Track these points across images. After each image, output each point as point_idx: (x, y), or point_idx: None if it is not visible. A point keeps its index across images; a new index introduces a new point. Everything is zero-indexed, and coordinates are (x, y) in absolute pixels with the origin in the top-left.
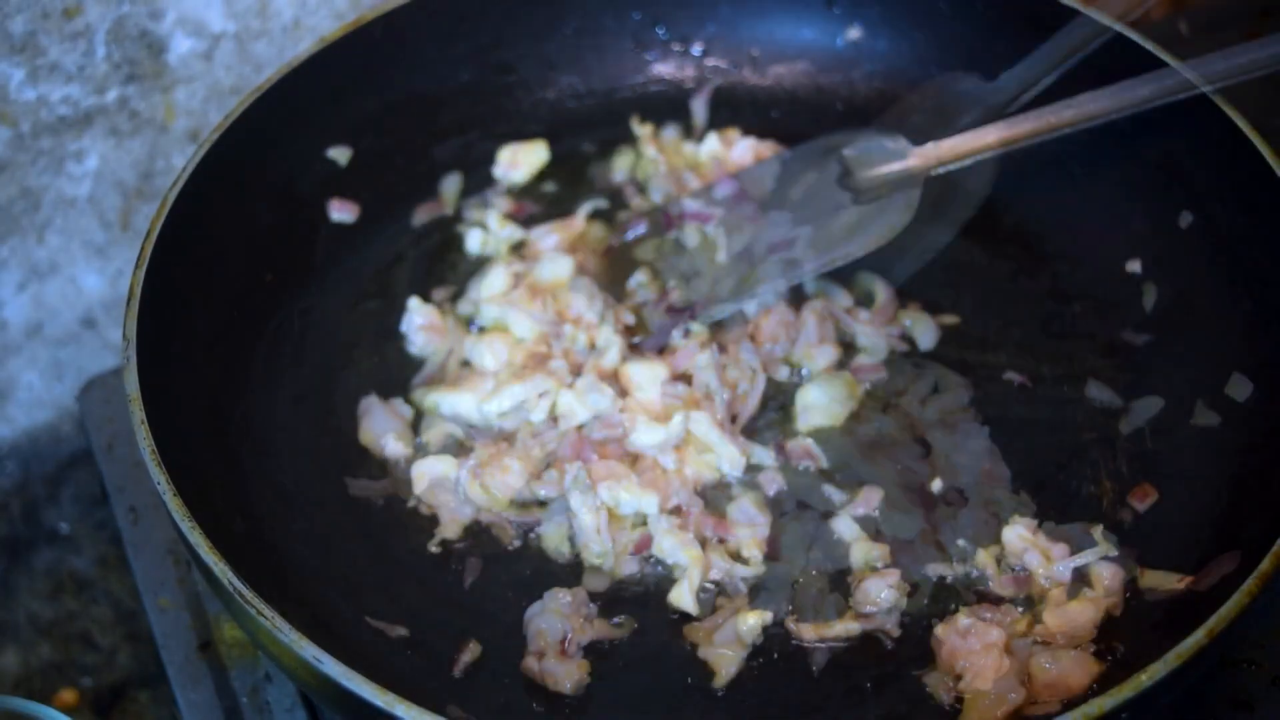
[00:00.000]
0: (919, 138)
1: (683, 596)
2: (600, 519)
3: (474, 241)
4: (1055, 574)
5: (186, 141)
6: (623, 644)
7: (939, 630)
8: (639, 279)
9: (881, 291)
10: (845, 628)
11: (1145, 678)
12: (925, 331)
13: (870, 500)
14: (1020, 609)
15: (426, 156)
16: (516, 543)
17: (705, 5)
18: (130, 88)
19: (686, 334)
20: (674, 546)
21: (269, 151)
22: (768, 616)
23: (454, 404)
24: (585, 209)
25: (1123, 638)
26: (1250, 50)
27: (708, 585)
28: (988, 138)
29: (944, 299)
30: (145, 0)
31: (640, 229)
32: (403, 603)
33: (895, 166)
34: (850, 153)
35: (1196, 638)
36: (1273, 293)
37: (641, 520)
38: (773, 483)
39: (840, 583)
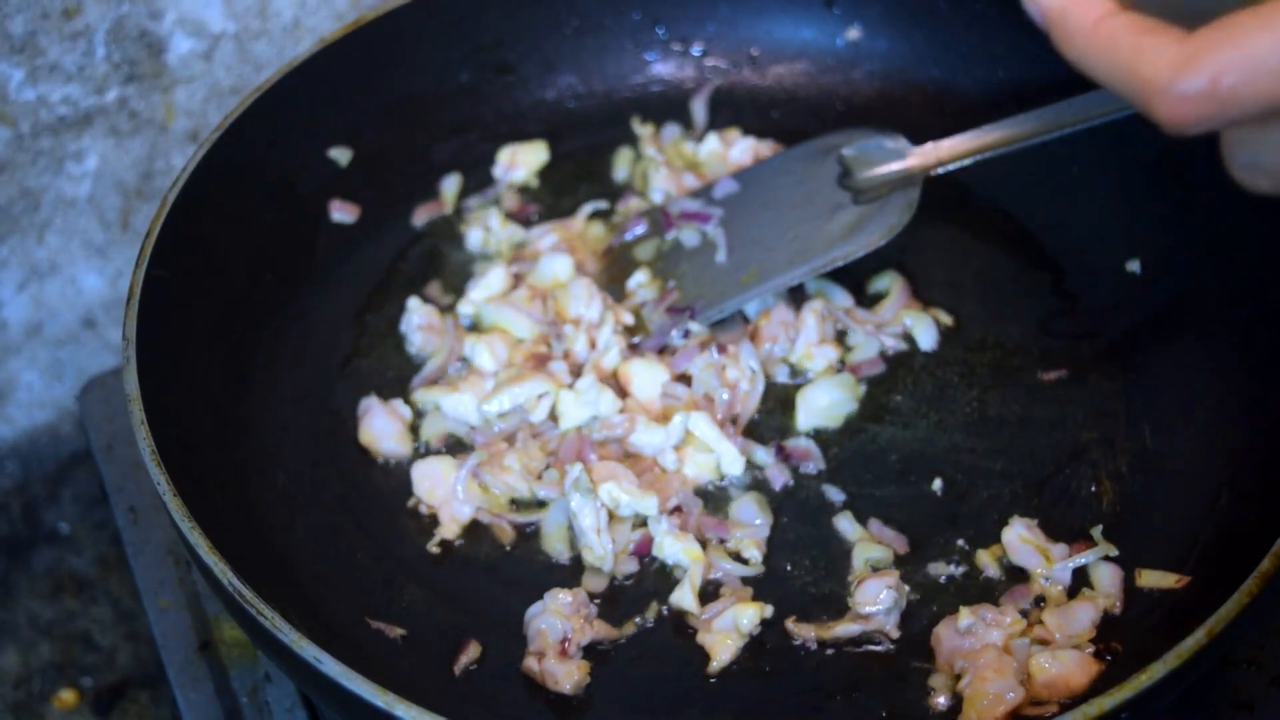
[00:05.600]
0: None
1: (684, 597)
2: (600, 520)
3: (474, 241)
4: (1055, 574)
5: (186, 141)
6: (623, 644)
7: (939, 630)
8: (639, 279)
9: (896, 289)
10: (845, 628)
11: (1145, 678)
12: (925, 331)
13: (883, 533)
14: (1020, 609)
15: (426, 156)
16: (516, 543)
17: (705, 5)
18: (130, 88)
19: (686, 334)
20: (675, 548)
21: (269, 151)
22: (768, 610)
23: (454, 404)
24: (585, 209)
25: (1123, 638)
26: None
27: (708, 585)
28: (987, 138)
29: (944, 299)
30: (145, 0)
31: (640, 229)
32: (403, 603)
33: (895, 166)
34: (850, 152)
35: (1196, 638)
36: (1273, 293)
37: (642, 521)
38: (773, 483)
39: (840, 583)
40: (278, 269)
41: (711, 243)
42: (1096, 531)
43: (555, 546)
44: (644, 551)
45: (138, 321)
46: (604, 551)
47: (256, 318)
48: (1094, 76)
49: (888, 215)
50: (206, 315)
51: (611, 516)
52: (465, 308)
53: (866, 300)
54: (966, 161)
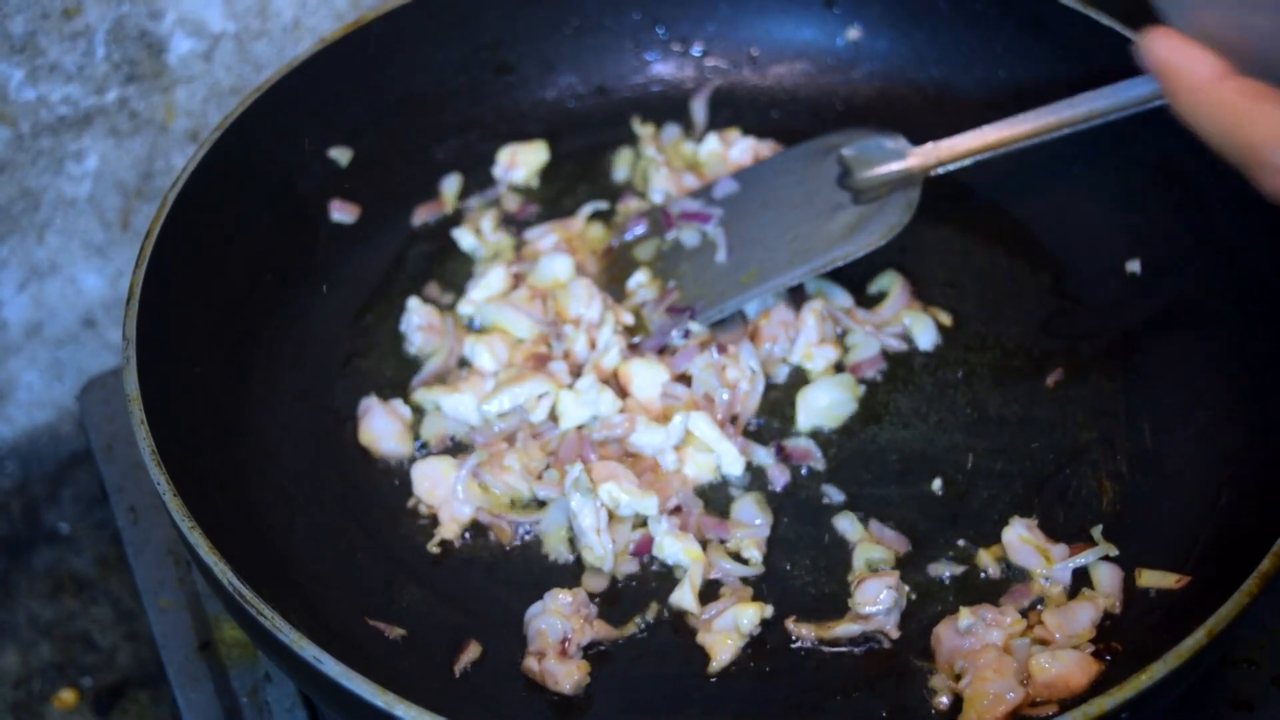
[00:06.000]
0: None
1: (684, 597)
2: (600, 520)
3: (473, 242)
4: (1055, 574)
5: (186, 141)
6: (622, 644)
7: (939, 630)
8: (639, 279)
9: (896, 289)
10: (845, 628)
11: (1145, 678)
12: (925, 331)
13: (883, 534)
14: (1020, 609)
15: (426, 156)
16: (516, 543)
17: (705, 5)
18: (130, 88)
19: (686, 334)
20: (675, 548)
21: (269, 151)
22: (768, 610)
23: (454, 404)
24: (585, 209)
25: (1122, 638)
26: None
27: (708, 585)
28: (987, 137)
29: (944, 298)
30: (145, 0)
31: (640, 229)
32: (403, 603)
33: (894, 166)
34: (849, 152)
35: (1196, 638)
36: (1273, 293)
37: (641, 521)
38: (773, 483)
39: (840, 583)
40: (278, 269)
41: (711, 243)
42: (1096, 531)
43: (555, 547)
44: (644, 551)
45: (138, 321)
46: (604, 551)
47: (256, 318)
48: (1200, 134)
49: (887, 215)
50: (206, 315)
51: (611, 516)
52: (465, 308)
53: (866, 300)
54: (966, 162)
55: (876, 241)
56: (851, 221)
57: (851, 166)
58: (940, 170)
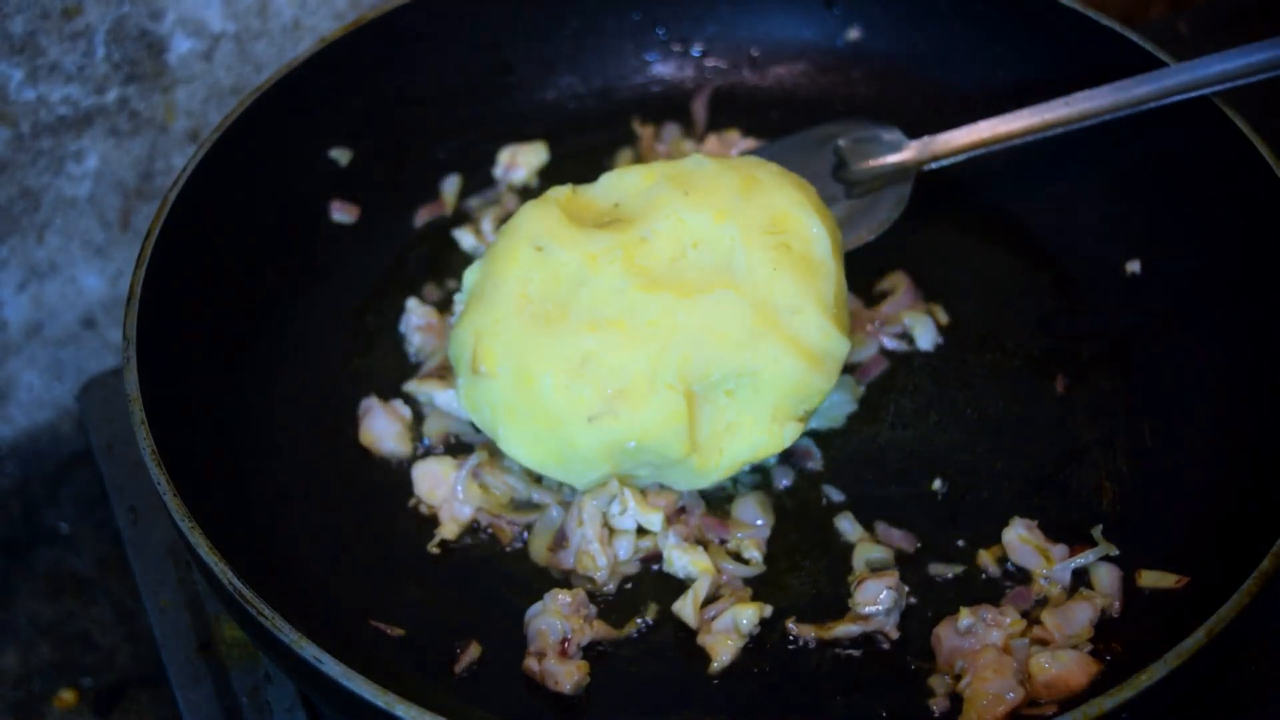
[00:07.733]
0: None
1: (685, 608)
2: (604, 531)
3: (472, 243)
4: (1055, 574)
5: (186, 141)
6: (623, 644)
7: (939, 630)
8: None
9: (901, 289)
10: (845, 628)
11: (1145, 678)
12: (925, 331)
13: (884, 534)
14: (1020, 609)
15: (426, 156)
16: (516, 543)
17: (705, 5)
18: (130, 88)
19: None
20: (684, 560)
21: (269, 151)
22: (767, 610)
23: (449, 399)
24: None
25: (1122, 638)
26: (1248, 53)
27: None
28: (982, 133)
29: (944, 298)
30: (145, 0)
31: None
32: (403, 603)
33: (889, 159)
34: (845, 143)
35: (1196, 638)
36: (1273, 293)
37: (645, 529)
38: (774, 483)
39: (840, 583)
40: (278, 269)
41: None
42: (1096, 531)
43: (542, 553)
44: (652, 562)
45: (138, 321)
46: (605, 562)
47: (256, 318)
48: None
49: (878, 211)
50: (206, 315)
51: (612, 532)
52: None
53: (870, 299)
54: (961, 157)
55: (866, 237)
56: (843, 216)
57: (847, 158)
58: (935, 165)
